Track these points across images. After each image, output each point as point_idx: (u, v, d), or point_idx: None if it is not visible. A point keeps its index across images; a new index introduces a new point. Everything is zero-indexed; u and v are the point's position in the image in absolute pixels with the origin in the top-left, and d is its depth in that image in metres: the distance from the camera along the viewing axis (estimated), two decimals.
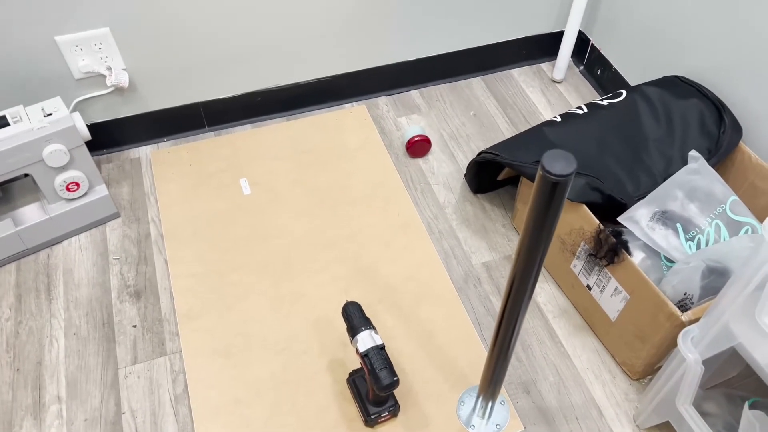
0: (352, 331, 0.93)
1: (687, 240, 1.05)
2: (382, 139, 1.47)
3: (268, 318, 1.14)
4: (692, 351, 0.83)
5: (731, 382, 1.06)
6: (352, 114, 1.52)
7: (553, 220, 0.62)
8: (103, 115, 1.35)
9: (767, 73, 1.13)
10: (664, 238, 1.04)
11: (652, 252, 1.05)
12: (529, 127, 1.41)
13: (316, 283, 1.20)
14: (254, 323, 1.14)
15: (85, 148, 1.18)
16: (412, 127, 1.43)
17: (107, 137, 1.39)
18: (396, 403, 1.01)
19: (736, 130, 1.17)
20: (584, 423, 1.04)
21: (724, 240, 1.04)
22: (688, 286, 0.96)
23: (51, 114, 1.12)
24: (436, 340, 1.12)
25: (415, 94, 1.59)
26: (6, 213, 1.21)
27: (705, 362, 0.84)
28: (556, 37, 1.59)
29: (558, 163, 0.57)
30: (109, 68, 1.26)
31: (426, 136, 1.41)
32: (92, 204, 1.24)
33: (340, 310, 1.00)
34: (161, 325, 1.14)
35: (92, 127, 1.32)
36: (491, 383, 0.93)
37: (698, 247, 1.04)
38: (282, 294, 1.18)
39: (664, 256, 1.04)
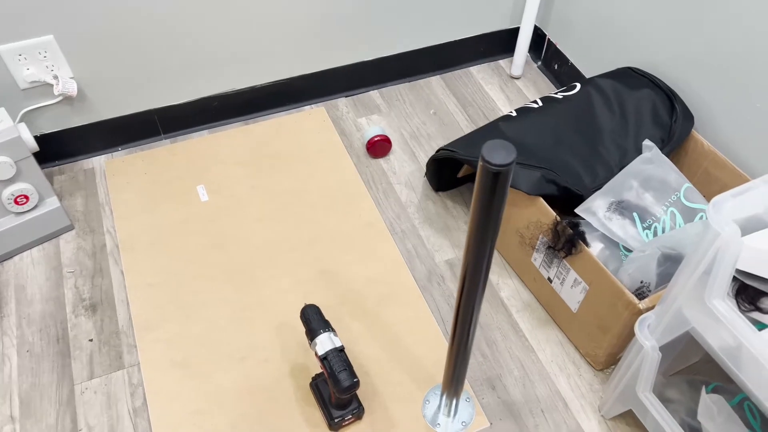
0: (311, 334, 0.92)
1: (644, 229, 1.05)
2: (342, 140, 1.46)
3: (229, 326, 1.12)
4: (649, 338, 0.83)
5: (694, 368, 1.07)
6: (311, 116, 1.51)
7: (498, 210, 0.61)
8: (53, 125, 1.32)
9: (716, 61, 1.15)
10: (621, 228, 1.04)
11: (610, 242, 1.05)
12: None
13: (278, 288, 1.18)
14: (215, 332, 1.11)
15: (32, 160, 1.14)
16: (372, 128, 1.42)
17: (58, 148, 1.35)
18: (360, 405, 0.99)
19: (688, 118, 1.19)
20: (550, 416, 1.04)
21: (680, 227, 1.05)
22: (644, 273, 0.97)
23: None
24: (401, 340, 1.11)
25: (374, 95, 1.58)
26: None
27: (662, 348, 0.84)
28: (513, 34, 1.60)
29: (498, 153, 0.56)
30: (55, 77, 1.23)
31: (386, 136, 1.40)
32: (43, 217, 1.20)
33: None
34: (119, 337, 1.11)
35: (41, 138, 1.29)
36: (454, 380, 0.92)
37: (655, 235, 1.05)
38: (243, 301, 1.16)
39: (623, 246, 1.04)
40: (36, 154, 1.16)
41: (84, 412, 1.02)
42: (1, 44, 1.15)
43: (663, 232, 1.05)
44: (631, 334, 0.97)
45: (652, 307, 0.91)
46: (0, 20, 1.12)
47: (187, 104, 1.41)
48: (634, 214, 1.06)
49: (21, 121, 1.25)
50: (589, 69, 1.49)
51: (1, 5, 1.11)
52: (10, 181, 1.13)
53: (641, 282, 0.98)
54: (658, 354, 0.83)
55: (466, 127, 1.50)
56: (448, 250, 1.26)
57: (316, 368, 1.05)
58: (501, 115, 1.52)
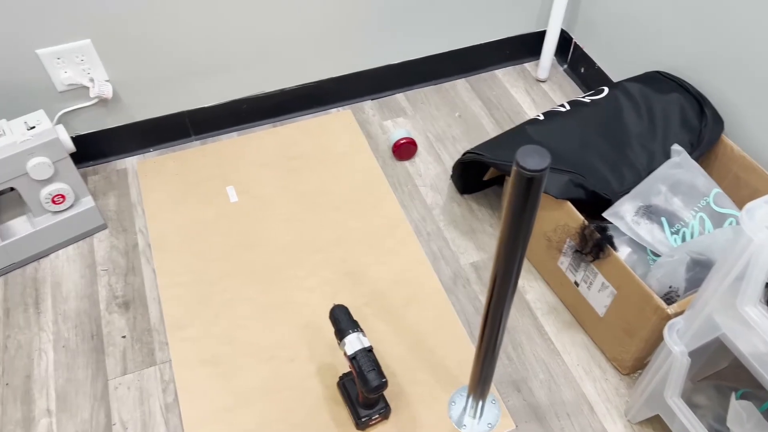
0: (340, 334, 0.93)
1: (672, 233, 1.05)
2: (369, 142, 1.47)
3: (257, 325, 1.14)
4: (678, 343, 0.83)
5: (722, 373, 1.06)
6: (338, 119, 1.52)
7: (530, 215, 0.62)
8: (88, 126, 1.35)
9: (745, 64, 1.14)
10: (649, 233, 1.04)
11: (638, 246, 1.05)
12: (513, 126, 1.42)
13: (304, 288, 1.19)
14: (243, 331, 1.13)
15: (69, 160, 1.17)
16: (398, 130, 1.44)
17: (93, 149, 1.39)
18: (387, 405, 1.01)
19: (718, 122, 1.18)
20: (576, 419, 1.04)
21: (709, 232, 1.05)
22: (672, 279, 0.97)
23: (34, 127, 1.12)
24: (426, 341, 1.12)
25: (400, 97, 1.59)
26: None
27: (692, 354, 0.84)
28: (539, 37, 1.60)
29: (532, 158, 0.57)
30: (92, 80, 1.26)
31: (412, 139, 1.42)
32: (79, 216, 1.24)
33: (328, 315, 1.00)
34: (150, 335, 1.14)
35: (77, 139, 1.32)
36: (480, 382, 0.93)
37: (683, 240, 1.05)
38: (270, 301, 1.18)
39: (650, 251, 1.04)
40: (72, 155, 1.19)
41: (118, 407, 1.05)
42: (41, 48, 1.19)
43: (691, 237, 1.05)
44: (658, 339, 0.96)
45: (681, 312, 0.91)
46: (40, 25, 1.16)
47: (217, 106, 1.44)
48: (663, 219, 1.05)
49: (58, 122, 1.29)
50: (615, 72, 1.49)
51: (42, 11, 1.14)
52: (48, 181, 1.16)
53: (670, 287, 0.97)
54: (687, 359, 0.83)
55: (491, 130, 1.51)
56: (473, 253, 1.27)
57: (342, 367, 1.07)
58: (527, 118, 1.52)
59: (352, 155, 1.43)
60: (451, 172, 1.39)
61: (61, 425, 1.03)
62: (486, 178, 1.33)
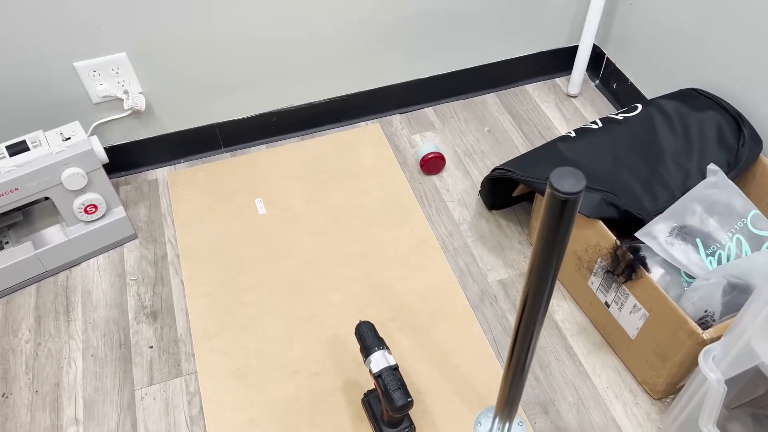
0: (366, 352, 0.92)
1: (707, 255, 1.02)
2: (396, 156, 1.47)
3: (283, 338, 1.14)
4: (714, 370, 0.81)
5: (758, 401, 1.02)
6: (366, 132, 1.53)
7: (563, 238, 0.61)
8: (121, 137, 1.38)
9: None
10: (683, 254, 1.02)
11: (671, 268, 1.02)
12: (544, 142, 1.40)
13: (330, 302, 1.19)
14: (269, 343, 1.13)
15: (102, 171, 1.19)
16: (426, 144, 1.43)
17: (125, 159, 1.41)
18: (411, 424, 0.99)
19: (756, 142, 1.15)
20: None
21: (746, 255, 1.02)
22: (708, 302, 0.94)
23: (69, 138, 1.14)
24: (452, 359, 1.11)
25: (429, 112, 1.59)
26: (26, 236, 1.23)
27: (728, 381, 0.81)
28: (571, 52, 1.58)
29: (567, 180, 0.56)
30: (126, 92, 1.28)
31: (440, 153, 1.41)
32: (110, 226, 1.26)
33: (354, 330, 0.99)
34: (177, 345, 1.15)
35: (110, 150, 1.34)
36: (508, 403, 0.91)
37: (719, 262, 1.02)
38: (296, 314, 1.18)
39: (684, 272, 1.02)
40: (105, 165, 1.21)
41: (143, 418, 1.06)
42: (78, 61, 1.21)
43: (728, 259, 1.02)
44: (692, 364, 0.94)
45: (717, 338, 0.88)
46: (78, 39, 1.18)
47: (248, 119, 1.45)
48: (698, 240, 1.03)
49: (92, 133, 1.31)
50: (649, 89, 1.47)
51: (80, 25, 1.17)
52: (81, 191, 1.18)
53: (705, 311, 0.95)
54: (724, 387, 0.80)
55: (520, 145, 1.49)
56: (501, 270, 1.25)
57: (368, 383, 1.06)
58: (557, 134, 1.51)
59: (379, 169, 1.43)
60: (479, 188, 1.38)
61: None
62: (515, 194, 1.32)
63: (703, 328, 0.90)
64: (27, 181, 1.11)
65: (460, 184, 1.41)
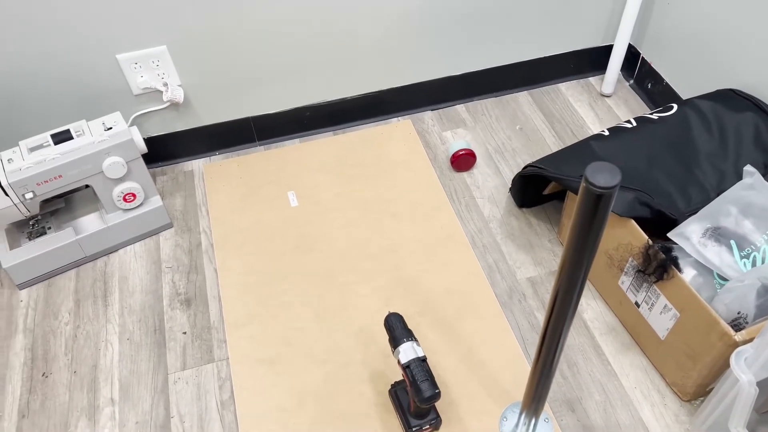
0: (394, 342, 0.94)
1: (742, 257, 1.01)
2: (427, 152, 1.48)
3: (313, 328, 1.16)
4: (746, 372, 0.80)
5: None
6: (398, 128, 1.54)
7: (597, 234, 0.61)
8: (159, 128, 1.41)
9: None
10: (716, 255, 1.01)
11: (704, 269, 1.02)
12: (576, 141, 1.40)
13: (359, 294, 1.21)
14: (299, 333, 1.16)
15: (141, 161, 1.23)
16: (457, 141, 1.44)
17: (162, 150, 1.45)
18: (438, 416, 1.00)
19: None
20: None
21: None
22: (742, 304, 0.93)
23: (111, 128, 1.18)
24: (479, 354, 1.12)
25: (460, 109, 1.59)
26: (67, 222, 1.28)
27: (759, 384, 0.81)
28: (605, 51, 1.57)
29: (602, 175, 0.56)
30: (165, 84, 1.31)
31: (471, 150, 1.41)
32: (147, 214, 1.29)
33: (383, 322, 1.00)
34: (209, 332, 1.17)
35: (149, 141, 1.37)
36: (534, 399, 0.91)
37: (753, 264, 1.01)
38: (326, 304, 1.20)
39: (717, 274, 1.01)
40: (143, 155, 1.24)
41: (176, 401, 1.09)
42: (120, 53, 1.25)
43: (762, 262, 1.01)
44: (723, 366, 0.93)
45: (749, 340, 0.87)
46: (122, 32, 1.22)
47: (282, 113, 1.48)
48: (732, 242, 1.02)
49: (132, 124, 1.35)
50: (685, 89, 1.45)
51: (123, 18, 1.20)
52: (121, 179, 1.22)
53: (738, 313, 0.94)
54: (756, 389, 0.80)
55: (552, 144, 1.49)
56: (530, 268, 1.25)
57: (395, 375, 1.08)
58: (590, 133, 1.50)
59: (410, 165, 1.44)
60: (510, 185, 1.38)
61: (123, 414, 1.07)
62: (546, 192, 1.32)
63: (736, 330, 0.90)
64: (70, 168, 1.15)
65: (491, 182, 1.42)
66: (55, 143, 1.15)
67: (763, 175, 1.08)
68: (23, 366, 1.14)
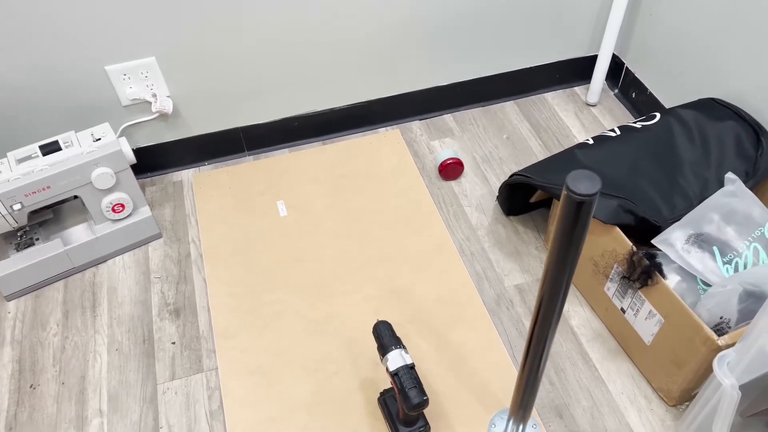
0: (383, 350, 0.94)
1: (724, 263, 1.03)
2: (415, 162, 1.49)
3: (302, 338, 1.17)
4: (728, 376, 0.81)
5: None
6: (386, 138, 1.55)
7: (579, 240, 0.62)
8: (148, 139, 1.42)
9: None
10: (700, 261, 1.02)
11: (687, 275, 1.03)
12: (562, 150, 1.42)
13: (349, 304, 1.21)
14: (288, 343, 1.16)
15: (130, 171, 1.23)
16: (445, 151, 1.45)
17: (151, 161, 1.45)
18: (426, 423, 1.01)
19: None
20: None
21: (763, 263, 1.02)
22: (724, 309, 0.95)
23: (100, 139, 1.18)
24: (468, 361, 1.12)
25: (448, 118, 1.61)
26: (56, 233, 1.28)
27: (743, 388, 0.82)
28: (590, 61, 1.60)
29: (583, 183, 0.58)
30: (154, 95, 1.32)
31: (459, 159, 1.43)
32: (136, 225, 1.29)
33: (371, 330, 1.01)
34: (199, 342, 1.17)
35: (138, 151, 1.38)
36: (522, 406, 0.92)
37: (736, 270, 1.02)
38: (316, 314, 1.20)
39: (701, 280, 1.02)
40: (132, 166, 1.24)
41: (165, 411, 1.08)
42: (110, 65, 1.26)
43: (744, 267, 1.03)
44: (707, 371, 0.94)
45: (732, 344, 0.89)
46: (110, 43, 1.23)
47: (270, 123, 1.49)
48: (714, 248, 1.03)
49: (121, 135, 1.35)
50: (668, 98, 1.47)
51: (112, 30, 1.21)
52: (110, 190, 1.22)
53: (721, 318, 0.95)
54: (738, 393, 0.81)
55: (539, 153, 1.51)
56: (518, 275, 1.26)
57: (385, 383, 1.08)
58: (576, 142, 1.52)
59: (399, 174, 1.46)
60: (497, 194, 1.40)
61: (112, 425, 1.07)
62: (533, 200, 1.33)
63: (719, 335, 0.91)
64: (58, 179, 1.15)
65: (478, 190, 1.43)
66: (44, 154, 1.15)
67: (745, 183, 1.10)
68: (11, 378, 1.13)
